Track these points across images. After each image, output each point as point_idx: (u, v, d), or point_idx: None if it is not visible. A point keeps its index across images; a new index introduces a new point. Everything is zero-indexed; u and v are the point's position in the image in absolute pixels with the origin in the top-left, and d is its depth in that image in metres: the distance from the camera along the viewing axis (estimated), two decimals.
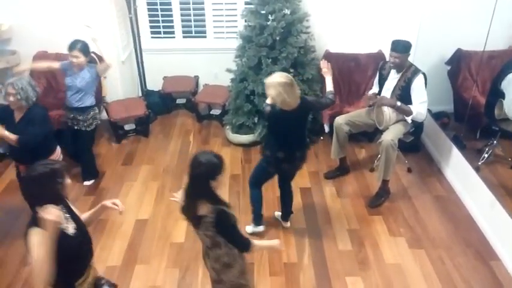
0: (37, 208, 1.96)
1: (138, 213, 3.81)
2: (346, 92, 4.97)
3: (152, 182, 4.22)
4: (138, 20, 5.18)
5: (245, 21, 4.58)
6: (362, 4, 4.80)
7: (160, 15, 5.31)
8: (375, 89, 4.11)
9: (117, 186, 4.16)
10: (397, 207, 3.89)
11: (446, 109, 4.52)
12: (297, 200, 3.94)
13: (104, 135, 4.97)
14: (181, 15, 5.30)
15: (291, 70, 4.43)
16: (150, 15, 5.31)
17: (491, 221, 3.50)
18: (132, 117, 4.91)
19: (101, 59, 4.95)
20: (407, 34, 4.01)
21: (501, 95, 3.65)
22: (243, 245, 2.26)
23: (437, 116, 4.52)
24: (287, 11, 4.39)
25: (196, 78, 5.56)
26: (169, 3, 5.22)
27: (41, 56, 4.61)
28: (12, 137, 3.08)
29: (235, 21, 5.15)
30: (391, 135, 3.74)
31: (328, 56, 4.94)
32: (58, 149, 3.39)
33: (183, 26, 5.36)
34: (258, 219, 3.54)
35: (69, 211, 2.16)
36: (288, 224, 3.68)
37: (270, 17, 4.39)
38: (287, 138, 3.17)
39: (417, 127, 4.10)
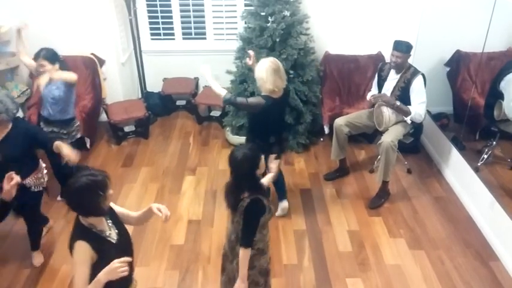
0: (81, 218, 1.95)
1: None
2: (345, 93, 4.98)
3: (152, 183, 4.23)
4: (138, 21, 5.19)
5: (245, 22, 4.59)
6: (361, 6, 4.81)
7: (160, 17, 5.31)
8: (373, 91, 4.12)
9: (116, 188, 4.15)
10: (396, 208, 3.90)
11: (445, 110, 4.52)
12: (297, 201, 3.95)
13: (103, 137, 4.98)
14: (181, 16, 5.30)
15: (291, 71, 4.44)
16: (150, 17, 5.31)
17: (491, 222, 3.51)
18: (132, 119, 4.91)
19: (102, 61, 4.98)
20: (406, 35, 4.02)
21: (500, 96, 3.66)
22: (247, 240, 2.29)
23: (437, 117, 4.53)
24: (287, 13, 4.40)
25: (196, 79, 5.56)
26: (169, 5, 5.23)
27: None
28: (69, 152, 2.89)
29: (235, 22, 5.16)
30: (391, 136, 3.75)
31: (328, 58, 4.96)
32: (41, 164, 3.18)
33: (183, 28, 5.37)
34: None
35: (111, 215, 2.11)
36: (286, 204, 3.70)
37: (269, 18, 4.40)
38: (277, 124, 3.36)
39: (417, 128, 4.10)
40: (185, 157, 4.63)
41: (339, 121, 4.06)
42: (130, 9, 5.00)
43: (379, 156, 3.87)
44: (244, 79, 4.58)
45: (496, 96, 3.70)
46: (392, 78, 3.88)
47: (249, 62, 3.47)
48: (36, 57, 3.46)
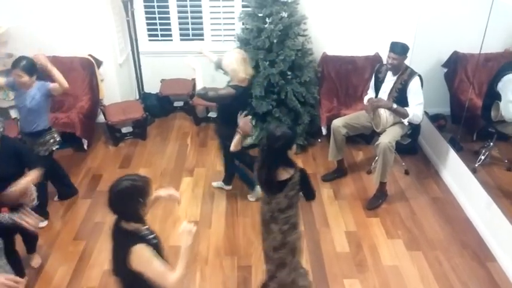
0: (123, 224, 1.94)
1: None
2: (343, 94, 4.98)
3: None
4: (135, 22, 5.18)
5: (242, 23, 4.59)
6: (359, 7, 4.82)
7: (157, 18, 5.31)
8: (370, 93, 4.12)
9: None
10: (394, 209, 3.90)
11: (443, 111, 4.53)
12: None
13: (101, 138, 4.97)
14: (179, 18, 5.29)
15: (289, 73, 4.45)
16: (147, 18, 5.31)
17: (488, 222, 3.52)
18: (130, 120, 4.90)
19: (99, 62, 4.97)
20: (404, 37, 4.02)
21: (497, 97, 3.67)
22: (314, 193, 2.63)
23: (434, 118, 4.54)
24: (284, 14, 4.41)
25: (194, 80, 5.54)
26: (166, 6, 5.22)
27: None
28: (34, 175, 2.78)
29: (233, 24, 5.16)
30: (389, 137, 3.75)
31: (326, 59, 4.96)
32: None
33: (180, 29, 5.36)
34: (254, 184, 3.89)
35: None
36: (260, 190, 3.78)
37: (267, 19, 4.40)
38: (244, 110, 3.50)
39: (414, 129, 4.11)
40: (183, 158, 4.63)
41: (337, 122, 4.06)
42: (128, 10, 5.00)
43: (376, 157, 3.87)
44: None
45: (493, 97, 3.71)
46: (390, 80, 3.88)
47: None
48: (14, 65, 3.24)
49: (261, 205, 2.69)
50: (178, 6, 5.22)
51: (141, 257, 1.90)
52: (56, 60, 4.75)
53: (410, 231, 3.66)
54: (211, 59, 3.72)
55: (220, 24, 5.28)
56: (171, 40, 5.42)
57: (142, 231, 2.01)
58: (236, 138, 3.25)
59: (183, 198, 4.04)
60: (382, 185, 3.91)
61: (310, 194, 2.62)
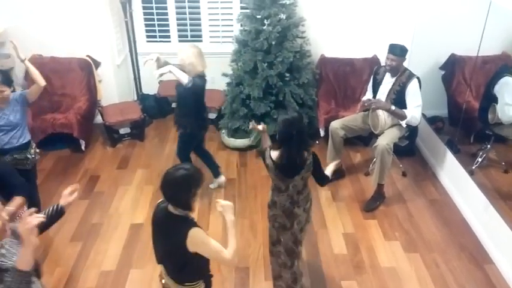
0: (172, 209, 2.07)
1: (133, 217, 3.79)
2: (341, 96, 4.99)
3: (147, 186, 4.21)
4: (133, 23, 5.18)
5: (241, 25, 4.59)
6: (357, 9, 4.83)
7: (156, 19, 5.31)
8: (368, 94, 4.13)
9: (111, 190, 4.14)
10: (392, 211, 3.91)
11: (440, 113, 4.55)
12: None
13: (98, 139, 4.96)
14: (177, 19, 5.30)
15: (287, 74, 4.45)
16: (145, 19, 5.30)
17: (485, 225, 3.52)
18: (128, 121, 4.89)
19: (97, 63, 4.96)
20: (402, 39, 4.04)
21: (494, 100, 3.68)
22: (325, 177, 2.80)
23: (432, 121, 4.55)
24: (283, 16, 4.41)
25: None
26: (165, 7, 5.22)
27: (36, 59, 4.58)
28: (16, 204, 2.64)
29: (231, 25, 5.16)
30: (387, 139, 3.76)
31: (324, 61, 4.97)
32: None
33: (178, 30, 5.36)
34: (218, 170, 4.11)
35: None
36: (223, 178, 4.08)
37: (265, 21, 4.41)
38: (204, 104, 3.68)
39: (412, 131, 4.12)
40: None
41: (335, 124, 4.07)
42: (126, 11, 4.99)
43: (374, 159, 3.87)
44: (240, 82, 4.58)
45: (490, 99, 3.73)
46: (388, 82, 3.89)
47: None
48: None
49: (275, 199, 2.74)
50: (177, 7, 5.22)
51: (198, 239, 2.04)
52: (54, 61, 4.79)
53: (407, 233, 3.66)
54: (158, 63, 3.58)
55: (218, 25, 5.29)
56: (170, 41, 5.42)
57: (191, 217, 2.13)
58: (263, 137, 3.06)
59: None
60: (380, 186, 3.92)
61: (322, 178, 2.79)
